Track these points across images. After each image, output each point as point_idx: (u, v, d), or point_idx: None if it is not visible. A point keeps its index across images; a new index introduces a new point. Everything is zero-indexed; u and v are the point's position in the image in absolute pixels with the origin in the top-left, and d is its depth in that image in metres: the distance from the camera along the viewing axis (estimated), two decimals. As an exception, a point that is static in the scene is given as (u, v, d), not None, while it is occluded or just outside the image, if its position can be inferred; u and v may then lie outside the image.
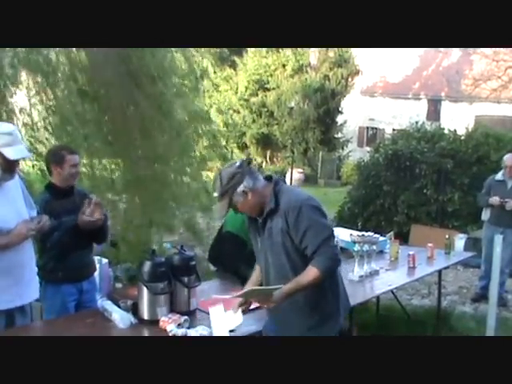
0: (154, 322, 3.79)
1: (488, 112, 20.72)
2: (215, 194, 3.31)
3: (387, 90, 33.31)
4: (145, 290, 3.84)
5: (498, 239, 4.77)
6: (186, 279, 4.02)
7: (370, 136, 31.25)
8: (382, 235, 6.42)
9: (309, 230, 3.18)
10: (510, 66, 17.88)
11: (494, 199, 7.52)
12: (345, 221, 11.09)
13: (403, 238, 10.18)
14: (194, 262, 4.12)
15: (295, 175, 23.23)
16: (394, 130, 22.27)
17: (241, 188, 3.22)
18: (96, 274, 4.73)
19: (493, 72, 19.55)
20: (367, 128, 32.55)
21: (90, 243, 4.55)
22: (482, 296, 7.78)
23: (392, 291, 6.29)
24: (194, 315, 4.01)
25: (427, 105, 32.06)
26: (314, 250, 3.17)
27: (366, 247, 5.37)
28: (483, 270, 7.85)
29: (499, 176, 7.77)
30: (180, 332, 3.57)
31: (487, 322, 5.06)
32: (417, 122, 12.97)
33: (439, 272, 6.39)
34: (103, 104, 7.77)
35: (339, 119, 28.56)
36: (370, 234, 5.89)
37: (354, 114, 30.58)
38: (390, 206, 11.49)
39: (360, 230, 6.72)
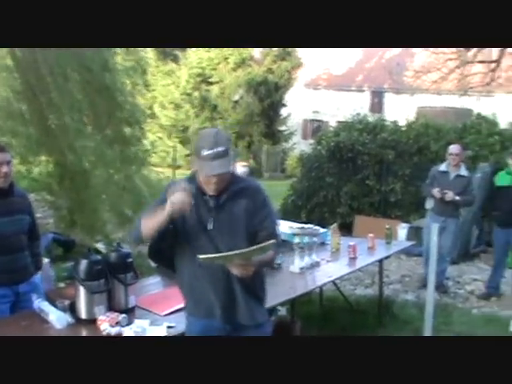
0: (91, 322, 3.71)
1: (429, 103, 21.00)
2: (211, 151, 3.01)
3: (331, 82, 33.57)
4: (81, 289, 3.76)
5: (435, 228, 4.84)
6: (123, 276, 3.95)
7: (315, 128, 31.44)
8: (325, 227, 6.46)
9: (270, 214, 3.25)
10: (449, 58, 18.13)
11: (435, 191, 7.67)
12: (289, 213, 11.13)
13: (347, 229, 10.31)
14: (131, 259, 4.06)
15: (239, 169, 23.20)
16: (338, 122, 22.46)
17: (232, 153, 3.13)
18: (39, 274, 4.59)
19: (433, 64, 19.81)
20: (311, 120, 32.75)
21: (21, 247, 4.31)
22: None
23: (335, 282, 6.33)
24: (133, 313, 3.94)
25: (370, 97, 32.43)
26: (270, 234, 3.18)
27: (306, 239, 5.39)
28: (427, 258, 7.99)
29: (443, 167, 7.92)
30: (114, 331, 3.51)
31: (426, 308, 5.12)
32: (358, 114, 13.07)
33: (380, 261, 6.46)
34: (40, 103, 7.64)
35: (283, 112, 28.70)
36: (310, 226, 5.92)
37: (298, 107, 30.73)
38: (333, 197, 11.60)
39: (304, 223, 6.75)
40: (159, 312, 3.98)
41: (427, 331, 5.19)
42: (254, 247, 3.00)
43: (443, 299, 7.59)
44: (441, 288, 7.83)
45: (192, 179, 3.24)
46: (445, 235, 7.68)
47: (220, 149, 3.01)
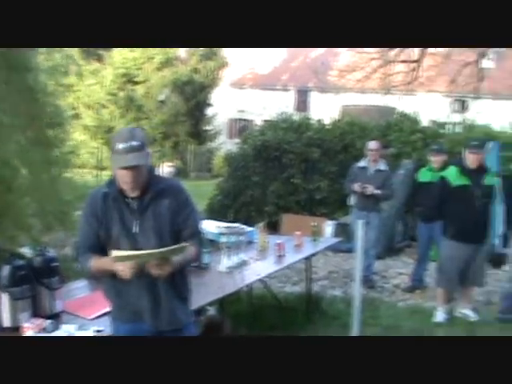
0: (16, 329, 3.57)
1: (354, 102, 21.36)
2: (125, 144, 2.98)
3: (256, 81, 33.71)
4: (3, 296, 3.64)
5: (360, 224, 4.91)
6: (48, 281, 3.84)
7: (241, 128, 31.49)
8: (253, 226, 6.47)
9: (192, 212, 3.26)
10: (373, 57, 18.46)
11: (356, 186, 7.89)
12: (216, 213, 11.10)
13: (274, 227, 10.36)
14: (56, 263, 3.95)
15: (166, 169, 23.03)
16: (264, 121, 22.56)
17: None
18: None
19: (357, 63, 20.12)
20: (237, 120, 32.80)
21: None
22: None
23: (263, 280, 6.34)
24: (60, 318, 3.84)
25: (296, 95, 32.71)
26: (193, 233, 3.21)
27: (233, 238, 5.39)
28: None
29: (362, 163, 8.18)
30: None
31: (353, 303, 5.19)
32: (283, 113, 13.15)
33: (307, 259, 6.51)
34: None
35: (209, 112, 28.65)
36: (237, 225, 5.92)
37: (223, 107, 30.73)
38: (259, 196, 11.64)
39: (231, 222, 6.75)
40: (87, 316, 3.90)
41: (355, 326, 5.26)
42: (166, 249, 3.00)
43: (370, 294, 7.70)
44: (368, 283, 7.99)
45: (112, 183, 3.20)
46: (368, 230, 7.84)
47: (134, 143, 3.00)
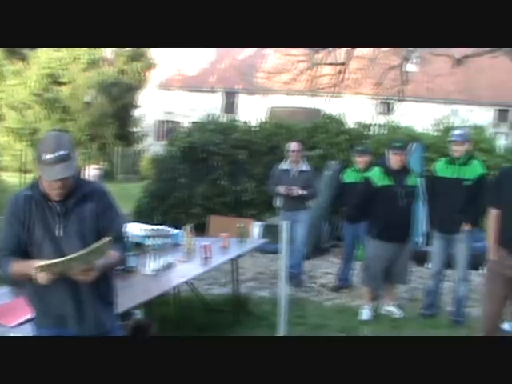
0: None
1: (281, 104, 21.52)
2: (52, 155, 2.90)
3: (184, 83, 33.54)
4: None
5: (284, 225, 4.95)
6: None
7: (168, 129, 31.29)
8: (180, 228, 6.44)
9: (116, 216, 3.23)
10: (299, 60, 18.66)
11: (281, 189, 7.98)
12: (143, 216, 10.99)
13: (202, 229, 10.31)
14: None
15: (92, 172, 22.64)
16: (191, 123, 22.50)
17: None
18: None
19: (284, 65, 20.28)
20: (165, 121, 32.58)
21: None
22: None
23: (190, 282, 6.32)
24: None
25: (224, 97, 32.71)
26: (117, 236, 3.16)
27: (159, 241, 5.34)
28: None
29: (284, 165, 8.27)
30: None
31: (279, 303, 5.23)
32: (210, 115, 13.13)
33: (234, 260, 6.52)
34: None
35: (136, 113, 28.34)
36: (162, 227, 5.87)
37: (151, 108, 30.48)
38: (186, 198, 11.58)
39: (158, 224, 6.69)
40: (7, 324, 3.79)
41: (282, 326, 5.30)
42: (89, 248, 2.92)
43: (298, 294, 7.76)
44: (297, 280, 8.13)
45: (35, 186, 3.12)
46: (298, 228, 8.03)
47: (62, 152, 2.93)
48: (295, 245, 8.10)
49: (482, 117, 24.93)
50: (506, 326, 5.38)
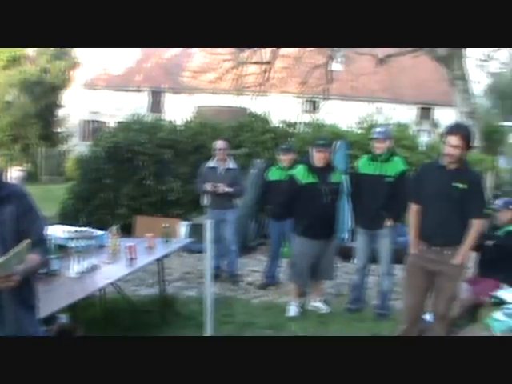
0: None
1: (208, 103, 21.50)
2: None
3: (110, 82, 33.07)
4: None
5: (208, 224, 4.95)
6: None
7: (94, 129, 30.78)
8: (106, 229, 6.35)
9: (36, 219, 3.17)
10: (225, 59, 18.73)
11: (207, 186, 8.00)
12: (68, 217, 10.81)
13: (128, 230, 10.22)
14: None
15: (14, 173, 22.09)
16: (117, 122, 22.24)
17: None
18: None
19: (210, 64, 20.31)
20: (90, 121, 32.05)
21: None
22: (216, 275, 8.17)
23: (115, 284, 6.24)
24: None
25: (150, 97, 32.44)
26: (38, 239, 3.12)
27: (82, 243, 5.26)
28: (214, 250, 8.22)
29: (211, 163, 8.30)
30: None
31: (205, 302, 5.22)
32: (135, 114, 12.99)
33: (160, 260, 6.48)
34: None
35: (60, 113, 27.79)
36: (86, 229, 5.78)
37: (76, 108, 29.95)
38: (112, 199, 11.43)
39: (84, 226, 6.58)
40: None
41: (208, 325, 5.29)
42: (9, 254, 2.85)
43: (226, 292, 7.77)
44: (234, 278, 8.24)
45: None
46: (226, 227, 8.11)
47: None
48: (226, 244, 8.17)
49: (406, 115, 25.50)
50: (427, 316, 5.52)
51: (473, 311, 6.20)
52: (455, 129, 5.06)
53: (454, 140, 4.91)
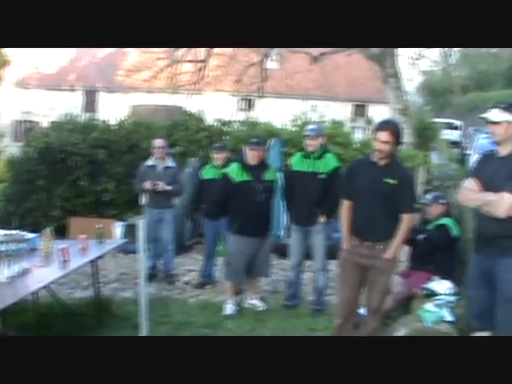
0: None
1: (143, 102, 21.33)
2: None
3: (42, 81, 32.48)
4: None
5: (140, 224, 4.92)
6: None
7: (26, 130, 30.12)
8: (40, 232, 6.23)
9: None
10: (159, 57, 18.62)
11: (146, 184, 7.96)
12: (0, 221, 10.55)
13: (63, 232, 10.06)
14: None
15: None
16: (51, 122, 21.84)
17: None
18: None
19: (144, 63, 20.16)
20: (23, 121, 31.37)
21: None
22: (153, 275, 8.20)
23: (49, 287, 6.13)
24: None
25: (84, 96, 31.98)
26: None
27: (13, 246, 5.14)
28: (151, 250, 8.21)
29: (150, 161, 8.30)
30: None
31: (140, 303, 5.19)
32: (68, 114, 12.79)
33: (94, 262, 6.39)
34: None
35: (-9, 113, 27.16)
36: (16, 232, 5.66)
37: (7, 108, 29.28)
38: (45, 200, 11.23)
39: (16, 229, 6.44)
40: None
41: (144, 326, 5.27)
42: None
43: (162, 292, 7.74)
44: (170, 278, 8.23)
45: None
46: (164, 226, 8.12)
47: None
48: (163, 244, 8.15)
49: (340, 112, 25.84)
50: (361, 310, 5.61)
51: (406, 303, 6.35)
52: (385, 125, 5.16)
53: (383, 136, 5.01)
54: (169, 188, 8.03)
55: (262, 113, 16.52)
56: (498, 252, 4.48)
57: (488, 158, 4.76)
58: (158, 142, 8.32)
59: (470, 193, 4.65)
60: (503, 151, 4.54)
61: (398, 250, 5.26)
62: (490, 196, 4.43)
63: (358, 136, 16.48)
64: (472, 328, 4.96)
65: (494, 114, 4.49)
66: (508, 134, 4.47)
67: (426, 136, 18.10)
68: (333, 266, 6.87)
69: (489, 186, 4.48)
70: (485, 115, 4.58)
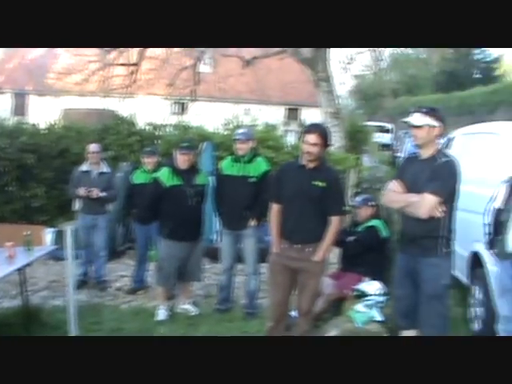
0: None
1: (75, 105, 20.97)
2: None
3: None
4: None
5: (68, 231, 4.85)
6: None
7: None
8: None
9: None
10: (90, 60, 18.36)
11: (81, 190, 7.84)
12: None
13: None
14: None
15: None
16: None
17: None
18: None
19: (76, 66, 19.84)
20: None
21: None
22: (84, 282, 8.13)
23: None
24: None
25: (13, 99, 31.31)
26: None
27: None
28: (83, 256, 8.15)
29: (84, 167, 8.17)
30: None
31: (69, 310, 5.10)
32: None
33: (21, 270, 6.25)
34: None
35: None
36: None
37: None
38: (-29, 207, 10.92)
39: None
40: None
41: (73, 334, 5.19)
42: None
43: (94, 299, 7.63)
44: (101, 284, 8.10)
45: None
46: (97, 232, 8.04)
47: None
48: (95, 250, 8.05)
49: (274, 115, 26.00)
50: (293, 313, 5.67)
51: (337, 305, 6.44)
52: (312, 127, 5.23)
53: (311, 138, 5.07)
54: (103, 194, 7.91)
55: (194, 116, 16.46)
56: (421, 252, 4.63)
57: (411, 160, 4.91)
58: (93, 147, 8.17)
59: (393, 194, 4.78)
60: (425, 154, 4.69)
61: (327, 253, 5.33)
62: (413, 197, 4.56)
63: (291, 139, 16.59)
64: (399, 327, 5.09)
65: (416, 118, 4.63)
66: (429, 138, 4.62)
67: (357, 139, 18.38)
68: (264, 269, 6.89)
69: (412, 187, 4.63)
70: (407, 119, 4.71)
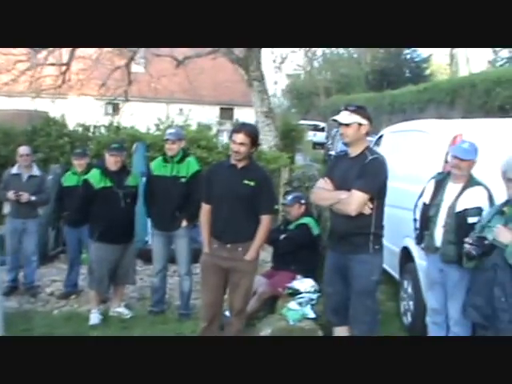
0: None
1: (3, 106, 20.45)
2: None
3: None
4: None
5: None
6: None
7: None
8: None
9: None
10: (18, 60, 17.95)
11: (10, 194, 7.65)
12: None
13: None
14: None
15: None
16: None
17: None
18: None
19: (3, 66, 19.37)
20: None
21: None
22: (14, 288, 7.92)
23: None
24: None
25: None
26: None
27: None
28: (10, 261, 7.96)
29: (14, 170, 7.95)
30: None
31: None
32: None
33: None
34: None
35: None
36: None
37: None
38: None
39: None
40: None
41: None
42: None
43: (25, 305, 7.46)
44: (33, 290, 7.91)
45: None
46: (27, 237, 7.85)
47: None
48: (26, 255, 7.90)
49: (207, 115, 25.95)
50: (226, 312, 5.68)
51: (271, 303, 6.48)
52: (240, 127, 5.24)
53: (239, 138, 5.08)
54: (33, 198, 7.72)
55: (127, 117, 16.29)
56: (350, 249, 4.70)
57: (340, 158, 4.98)
58: (23, 150, 7.96)
59: (322, 192, 4.84)
60: (353, 152, 4.75)
61: (258, 252, 5.35)
62: (342, 194, 4.62)
63: (225, 139, 16.60)
64: (331, 323, 5.16)
65: (344, 117, 4.69)
66: (358, 136, 4.69)
67: (291, 138, 18.53)
68: (198, 269, 6.89)
69: (341, 185, 4.69)
70: (336, 117, 4.77)
